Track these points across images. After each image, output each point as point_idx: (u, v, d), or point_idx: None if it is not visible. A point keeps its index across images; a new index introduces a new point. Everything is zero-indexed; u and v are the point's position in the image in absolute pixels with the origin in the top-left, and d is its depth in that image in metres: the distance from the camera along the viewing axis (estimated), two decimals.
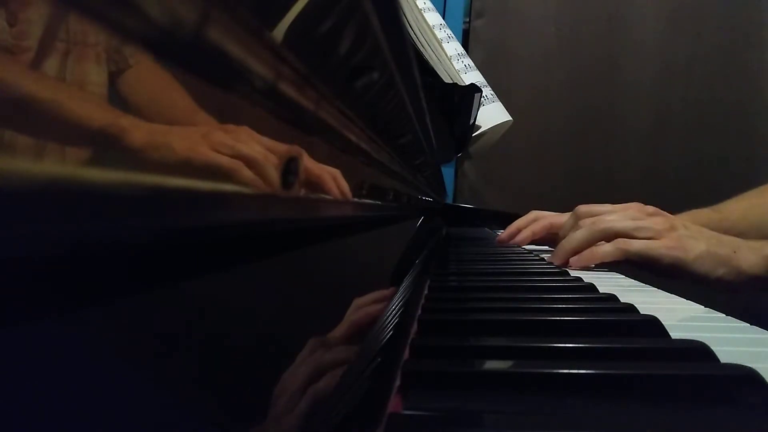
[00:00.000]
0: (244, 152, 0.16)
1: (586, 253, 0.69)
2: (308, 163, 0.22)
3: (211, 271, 0.15)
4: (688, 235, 0.68)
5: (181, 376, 0.12)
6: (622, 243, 0.68)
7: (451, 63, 1.13)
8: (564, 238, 0.75)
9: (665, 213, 0.73)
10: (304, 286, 0.24)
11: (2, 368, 0.08)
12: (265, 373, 0.16)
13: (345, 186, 0.29)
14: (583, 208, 0.77)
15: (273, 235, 0.22)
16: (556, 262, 0.73)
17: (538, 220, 0.95)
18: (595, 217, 0.73)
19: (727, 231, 0.79)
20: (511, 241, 0.97)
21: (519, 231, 0.97)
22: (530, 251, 0.90)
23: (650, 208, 0.73)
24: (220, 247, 0.17)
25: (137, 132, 0.11)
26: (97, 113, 0.10)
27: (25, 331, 0.09)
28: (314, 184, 0.24)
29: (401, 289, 0.40)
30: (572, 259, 0.71)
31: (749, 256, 0.66)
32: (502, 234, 1.00)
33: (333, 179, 0.27)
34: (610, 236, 0.70)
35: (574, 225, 0.75)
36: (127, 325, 0.11)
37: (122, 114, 0.11)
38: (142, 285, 0.12)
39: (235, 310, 0.17)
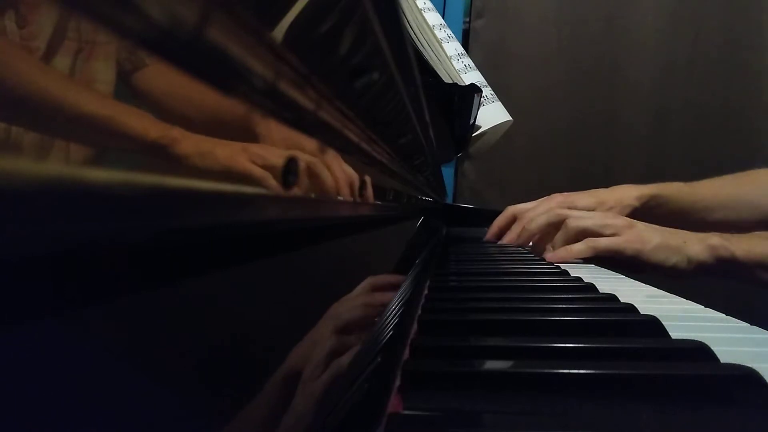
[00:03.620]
0: (247, 151, 0.16)
1: (562, 251, 0.81)
2: (310, 161, 0.22)
3: (212, 270, 0.16)
4: (645, 231, 0.79)
5: (181, 376, 0.12)
6: (591, 242, 0.79)
7: (451, 63, 1.13)
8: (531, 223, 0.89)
9: (625, 218, 0.85)
10: (304, 286, 0.24)
11: (2, 368, 0.08)
12: (265, 372, 0.16)
13: (350, 181, 0.29)
14: (555, 207, 0.90)
15: (273, 234, 0.22)
16: (535, 252, 0.86)
17: (519, 220, 1.00)
18: (569, 219, 0.85)
19: (695, 204, 0.95)
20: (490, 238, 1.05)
21: (500, 230, 1.03)
22: (529, 251, 0.90)
23: (610, 214, 0.88)
24: (219, 246, 0.17)
25: (142, 132, 0.11)
26: (103, 113, 0.10)
27: (25, 331, 0.09)
28: (319, 181, 0.24)
29: (401, 289, 0.40)
30: (548, 255, 0.82)
31: (696, 245, 0.77)
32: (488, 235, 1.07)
33: (346, 179, 0.27)
34: (581, 235, 0.82)
35: (548, 219, 0.87)
36: (131, 325, 0.11)
37: (127, 113, 0.11)
38: (143, 285, 0.12)
39: (235, 309, 0.17)
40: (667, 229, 0.82)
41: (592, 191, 0.98)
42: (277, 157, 0.19)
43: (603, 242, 0.79)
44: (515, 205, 1.03)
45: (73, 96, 0.09)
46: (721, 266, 0.77)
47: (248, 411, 0.14)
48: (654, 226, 0.82)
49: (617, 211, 0.94)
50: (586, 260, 0.82)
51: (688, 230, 0.81)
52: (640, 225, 0.81)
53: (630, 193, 0.98)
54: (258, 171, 0.17)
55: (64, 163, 0.09)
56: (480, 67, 1.32)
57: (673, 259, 0.76)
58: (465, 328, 0.37)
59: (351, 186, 0.30)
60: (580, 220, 0.83)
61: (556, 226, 0.86)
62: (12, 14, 0.08)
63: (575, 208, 0.95)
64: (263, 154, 0.18)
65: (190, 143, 0.13)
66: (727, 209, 0.99)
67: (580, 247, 0.79)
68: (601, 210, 0.94)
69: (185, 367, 0.13)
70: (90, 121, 0.10)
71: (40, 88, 0.09)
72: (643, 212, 0.96)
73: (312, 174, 0.23)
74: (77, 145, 0.10)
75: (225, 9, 0.14)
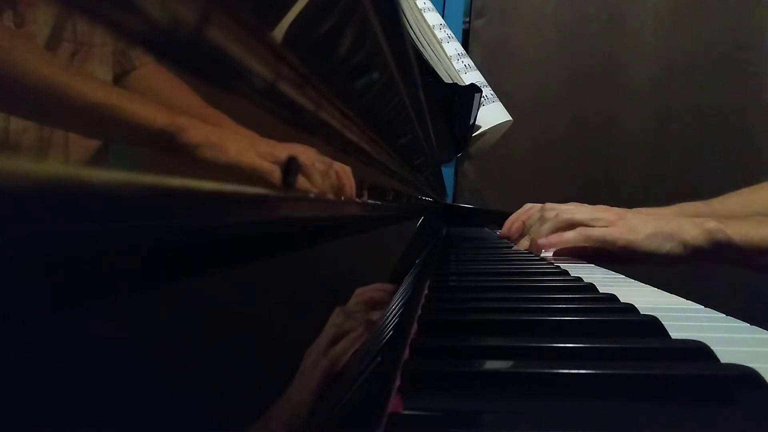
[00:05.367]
0: (245, 151, 0.16)
1: (554, 237, 0.81)
2: (313, 161, 0.22)
3: (210, 270, 0.16)
4: (636, 220, 0.79)
5: (181, 376, 0.12)
6: (583, 230, 0.80)
7: (451, 63, 1.13)
8: (531, 228, 0.90)
9: (616, 208, 0.85)
10: (304, 286, 0.24)
11: (2, 368, 0.08)
12: (265, 373, 0.16)
13: (351, 183, 0.29)
14: (548, 205, 0.90)
15: (273, 234, 0.22)
16: (531, 248, 0.86)
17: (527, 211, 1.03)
18: (559, 211, 0.85)
19: None
20: (504, 233, 1.05)
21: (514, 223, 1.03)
22: (529, 251, 0.90)
23: (603, 207, 0.86)
24: (219, 246, 0.17)
25: (139, 130, 0.11)
26: (100, 111, 0.10)
27: (25, 331, 0.09)
28: (319, 183, 0.24)
29: (401, 289, 0.40)
30: (541, 241, 0.82)
31: (691, 230, 0.76)
32: (502, 230, 1.06)
33: (340, 177, 0.27)
34: (571, 226, 0.82)
35: (541, 218, 0.88)
36: (129, 325, 0.11)
37: (127, 113, 0.11)
38: (143, 284, 0.12)
39: (235, 309, 0.17)
40: (662, 215, 0.82)
41: (618, 209, 0.96)
42: (276, 157, 0.19)
43: (595, 232, 0.79)
44: (535, 205, 1.02)
45: (77, 85, 0.09)
46: (717, 250, 0.76)
47: (248, 411, 0.14)
48: (646, 215, 0.82)
49: None
50: (582, 256, 0.82)
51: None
52: (631, 215, 0.81)
53: None
54: (257, 171, 0.17)
55: (64, 161, 0.09)
56: (480, 67, 1.32)
57: (666, 246, 0.76)
58: (465, 328, 0.37)
59: (351, 186, 0.30)
60: (570, 212, 0.84)
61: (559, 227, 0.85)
62: (10, 14, 0.08)
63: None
64: (263, 154, 0.18)
65: (191, 136, 0.13)
66: None
67: (572, 235, 0.79)
68: None
69: (185, 367, 0.13)
70: (93, 109, 0.10)
71: (41, 77, 0.09)
72: None
73: (312, 174, 0.23)
74: (78, 141, 0.10)
75: (225, 9, 0.14)
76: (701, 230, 0.76)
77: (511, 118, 1.32)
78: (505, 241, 1.05)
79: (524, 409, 0.25)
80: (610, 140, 1.82)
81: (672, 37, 1.79)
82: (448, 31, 1.29)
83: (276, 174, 0.19)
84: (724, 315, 0.42)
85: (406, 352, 0.30)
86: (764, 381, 0.25)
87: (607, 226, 0.79)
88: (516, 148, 1.76)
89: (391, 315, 0.32)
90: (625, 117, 1.81)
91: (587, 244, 0.79)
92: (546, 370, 0.26)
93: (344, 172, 0.29)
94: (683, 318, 0.40)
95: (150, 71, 0.11)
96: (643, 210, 0.92)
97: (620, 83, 1.81)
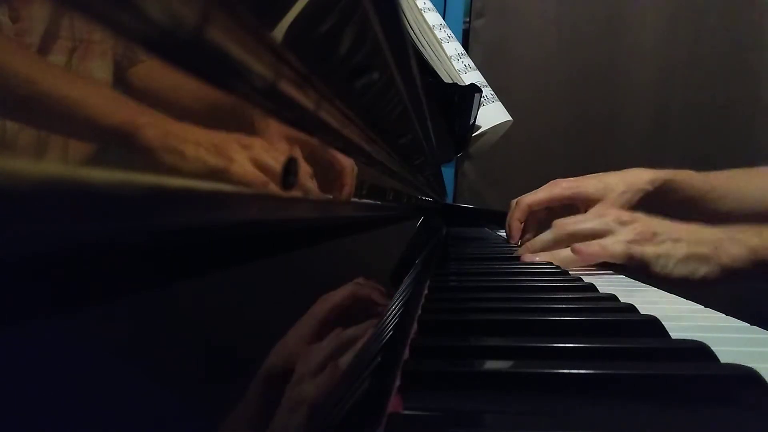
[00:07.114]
0: (245, 152, 0.16)
1: (595, 249, 0.68)
2: (312, 161, 0.22)
3: (212, 270, 0.16)
4: (669, 239, 0.67)
5: (180, 376, 0.12)
6: (625, 248, 0.68)
7: (451, 63, 1.13)
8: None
9: (642, 217, 0.71)
10: (304, 286, 0.24)
11: (2, 368, 0.08)
12: (264, 373, 0.16)
13: (351, 183, 0.29)
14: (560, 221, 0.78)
15: (273, 234, 0.22)
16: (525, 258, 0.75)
17: (518, 204, 0.95)
18: (566, 221, 0.74)
19: (709, 192, 0.84)
20: (513, 240, 0.97)
21: (520, 223, 0.95)
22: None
23: (626, 215, 0.72)
24: (219, 246, 0.17)
25: (139, 130, 0.11)
26: (100, 110, 0.10)
27: (25, 331, 0.09)
28: (319, 181, 0.24)
29: (401, 289, 0.40)
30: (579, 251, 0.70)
31: (732, 249, 0.65)
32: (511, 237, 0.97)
33: (340, 177, 0.27)
34: (578, 240, 0.71)
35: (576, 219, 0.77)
36: (129, 325, 0.11)
37: (125, 112, 0.11)
38: (143, 285, 0.12)
39: (235, 309, 0.17)
40: (695, 229, 0.69)
41: (600, 175, 0.88)
42: (276, 157, 0.19)
43: (617, 248, 0.68)
44: (524, 197, 0.95)
45: (71, 86, 0.09)
46: (760, 270, 0.65)
47: (248, 411, 0.14)
48: (678, 228, 0.69)
49: (629, 197, 0.82)
50: (600, 265, 0.71)
51: (698, 219, 0.69)
52: (663, 233, 0.68)
53: (642, 177, 0.86)
54: (257, 171, 0.17)
55: (62, 160, 0.09)
56: (480, 67, 1.32)
57: (702, 270, 0.65)
58: (465, 328, 0.37)
59: (350, 186, 0.30)
60: (618, 235, 0.70)
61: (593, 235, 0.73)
62: (5, 9, 0.08)
63: (583, 197, 0.86)
64: (263, 154, 0.18)
65: (187, 139, 0.13)
66: (737, 201, 0.88)
67: (612, 247, 0.68)
68: (611, 196, 0.83)
69: (185, 368, 0.13)
70: (86, 111, 0.10)
71: (30, 79, 0.08)
72: (656, 197, 0.84)
73: (312, 174, 0.23)
74: (77, 140, 0.10)
75: (225, 8, 0.14)
76: (743, 249, 0.64)
77: (511, 118, 1.32)
78: (505, 241, 1.05)
79: (524, 409, 0.25)
80: (610, 140, 1.82)
81: (672, 37, 1.79)
82: (448, 31, 1.29)
83: (275, 174, 0.19)
84: (724, 315, 0.42)
85: (406, 352, 0.30)
86: (764, 381, 0.25)
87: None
88: (516, 148, 1.76)
89: (391, 315, 0.32)
90: (625, 117, 1.81)
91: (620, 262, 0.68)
92: (546, 370, 0.26)
93: (344, 172, 0.29)
94: (683, 318, 0.40)
95: (148, 70, 0.11)
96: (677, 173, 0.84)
97: (620, 83, 1.81)
